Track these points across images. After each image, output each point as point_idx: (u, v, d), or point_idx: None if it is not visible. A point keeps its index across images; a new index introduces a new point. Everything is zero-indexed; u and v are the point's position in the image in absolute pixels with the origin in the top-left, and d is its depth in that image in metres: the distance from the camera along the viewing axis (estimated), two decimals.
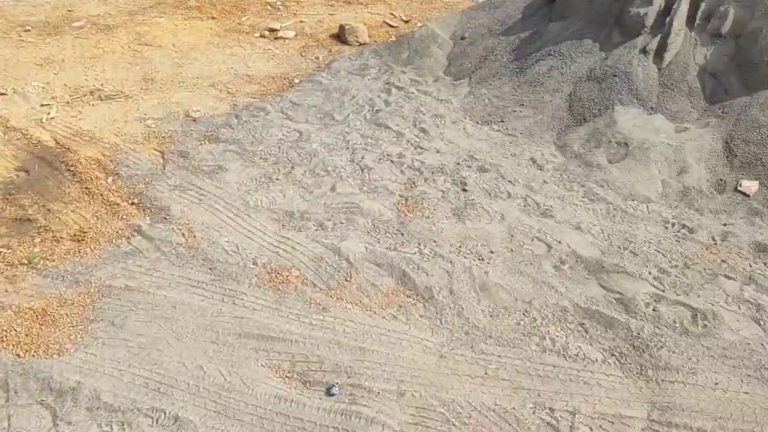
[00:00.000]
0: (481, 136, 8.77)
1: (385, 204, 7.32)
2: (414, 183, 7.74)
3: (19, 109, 9.11)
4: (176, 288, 5.92)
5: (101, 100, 9.58)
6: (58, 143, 8.31)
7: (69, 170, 7.75)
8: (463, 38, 11.00)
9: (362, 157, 8.18)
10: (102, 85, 9.99)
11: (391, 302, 5.91)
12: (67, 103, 9.39)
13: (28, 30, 11.60)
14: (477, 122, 9.16)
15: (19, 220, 6.85)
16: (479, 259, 6.46)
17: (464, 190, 7.60)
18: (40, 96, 9.52)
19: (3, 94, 9.45)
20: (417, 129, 8.89)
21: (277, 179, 7.75)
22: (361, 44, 11.77)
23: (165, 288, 5.92)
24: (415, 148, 8.45)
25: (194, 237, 6.62)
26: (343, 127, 8.90)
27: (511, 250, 6.61)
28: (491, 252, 6.57)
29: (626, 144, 8.17)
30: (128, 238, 6.63)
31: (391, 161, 8.14)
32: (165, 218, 6.94)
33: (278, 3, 13.74)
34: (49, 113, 9.03)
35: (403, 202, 7.38)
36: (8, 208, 7.04)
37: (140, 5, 13.27)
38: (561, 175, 7.88)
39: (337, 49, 11.66)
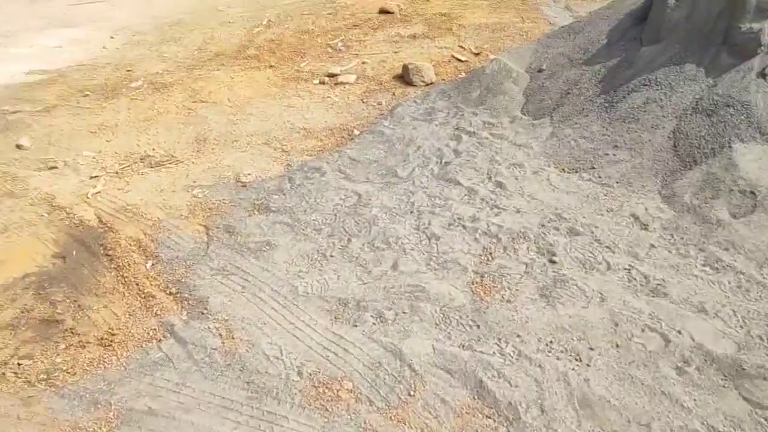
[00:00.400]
0: (569, 188, 7.45)
1: (457, 284, 6.14)
2: (491, 254, 6.52)
3: (68, 183, 8.61)
4: (206, 411, 4.96)
5: (151, 167, 8.96)
6: (101, 222, 7.68)
7: (107, 255, 7.06)
8: (540, 71, 9.72)
9: (429, 223, 7.05)
10: (153, 150, 9.40)
11: (465, 426, 4.70)
12: (116, 173, 8.82)
13: (87, 95, 11.30)
14: (563, 170, 7.84)
15: (46, 322, 6.15)
16: (576, 360, 5.15)
17: (552, 262, 6.31)
18: (90, 167, 9.01)
19: (54, 167, 9.00)
20: (492, 183, 7.69)
21: (332, 256, 6.73)
22: (427, 84, 10.72)
23: (193, 411, 4.97)
24: (491, 208, 7.24)
25: (232, 338, 5.68)
26: (407, 186, 7.82)
27: (617, 346, 5.25)
28: (591, 349, 5.24)
29: (753, 193, 6.63)
30: (159, 341, 5.77)
31: (463, 226, 6.97)
32: (202, 313, 6.05)
33: (339, 44, 12.96)
34: (95, 186, 8.47)
35: (478, 280, 6.17)
36: (38, 306, 6.37)
37: (199, 59, 12.83)
38: (672, 237, 6.44)
39: (402, 91, 10.66)
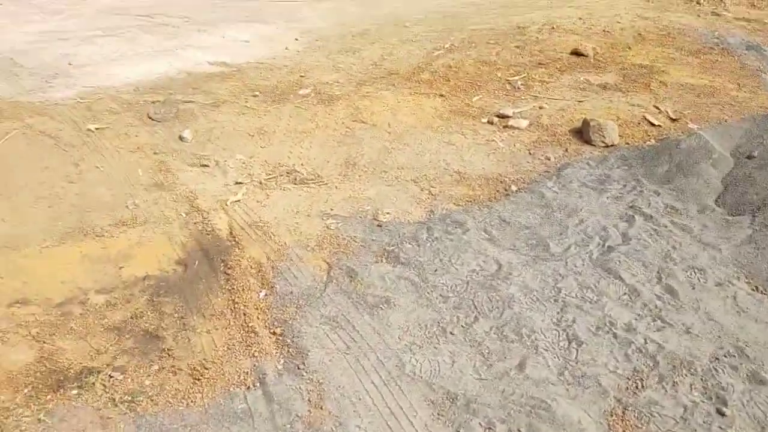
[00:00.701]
0: (759, 315, 6.02)
1: (591, 411, 5.05)
2: (642, 381, 5.34)
3: (214, 185, 8.55)
4: None
5: (295, 183, 8.67)
6: (231, 234, 7.46)
7: (226, 273, 6.78)
8: (750, 157, 8.18)
9: (573, 321, 5.99)
10: (302, 165, 9.12)
11: None
12: (260, 183, 8.63)
13: (256, 95, 11.37)
14: (756, 288, 6.39)
15: (149, 334, 5.93)
16: None
17: (721, 414, 5.01)
18: (239, 171, 8.92)
19: (205, 165, 9.02)
20: (661, 286, 6.43)
21: (452, 333, 5.91)
22: (607, 146, 9.48)
23: None
24: (654, 319, 6.01)
25: (321, 408, 5.06)
26: (557, 266, 6.78)
27: None
28: None
29: None
30: (248, 388, 5.30)
31: (614, 335, 5.82)
32: (299, 368, 5.50)
33: (519, 82, 12.03)
34: (236, 194, 8.32)
35: (619, 413, 5.04)
36: (148, 314, 6.19)
37: (372, 75, 12.52)
38: None
39: (576, 149, 9.52)
